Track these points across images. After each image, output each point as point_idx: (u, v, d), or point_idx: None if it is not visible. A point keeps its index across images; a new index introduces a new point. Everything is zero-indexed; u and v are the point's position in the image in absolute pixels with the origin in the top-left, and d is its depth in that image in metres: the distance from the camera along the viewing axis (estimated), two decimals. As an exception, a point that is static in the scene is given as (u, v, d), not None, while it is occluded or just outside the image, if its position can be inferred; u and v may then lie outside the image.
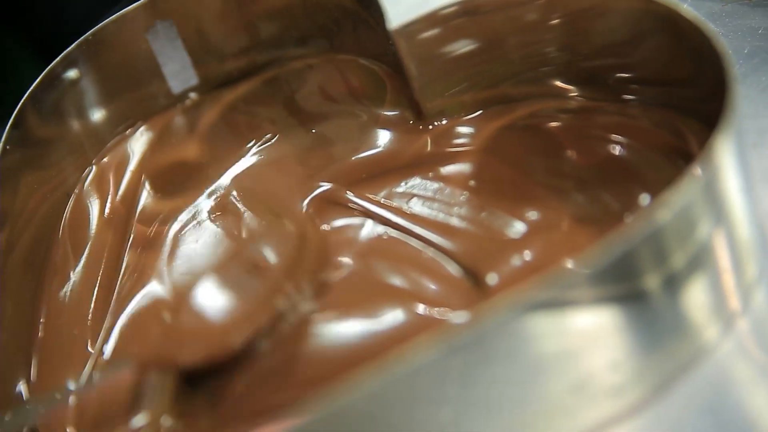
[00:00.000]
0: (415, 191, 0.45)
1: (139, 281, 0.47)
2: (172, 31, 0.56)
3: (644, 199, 0.39)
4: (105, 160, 0.55)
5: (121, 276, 0.48)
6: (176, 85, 0.58)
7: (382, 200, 0.46)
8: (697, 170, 0.30)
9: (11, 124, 0.49)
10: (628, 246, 0.29)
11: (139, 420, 0.40)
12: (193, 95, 0.59)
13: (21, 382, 0.43)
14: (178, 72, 0.58)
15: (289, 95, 0.56)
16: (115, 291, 0.47)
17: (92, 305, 0.47)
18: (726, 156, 0.31)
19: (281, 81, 0.57)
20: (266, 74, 0.57)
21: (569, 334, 0.30)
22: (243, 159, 0.53)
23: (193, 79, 0.58)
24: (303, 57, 0.58)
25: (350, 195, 0.47)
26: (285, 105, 0.56)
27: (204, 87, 0.59)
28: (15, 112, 0.50)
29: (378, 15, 0.47)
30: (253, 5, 0.56)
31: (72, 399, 0.40)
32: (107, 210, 0.52)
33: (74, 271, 0.49)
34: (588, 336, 0.30)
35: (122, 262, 0.49)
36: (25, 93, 0.51)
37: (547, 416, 0.31)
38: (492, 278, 0.39)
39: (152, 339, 0.44)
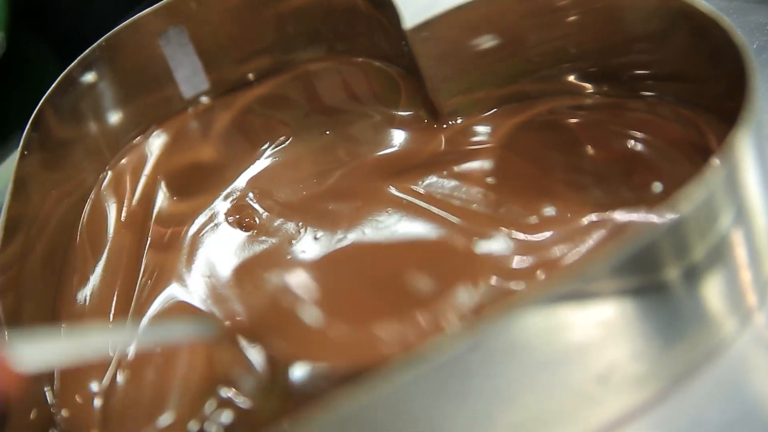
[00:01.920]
0: (431, 190, 0.46)
1: (158, 283, 0.48)
2: (184, 36, 0.57)
3: (662, 193, 0.40)
4: (121, 163, 0.56)
5: (140, 278, 0.48)
6: (188, 90, 0.59)
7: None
8: (718, 163, 0.30)
9: (29, 128, 0.49)
10: (651, 238, 0.29)
11: (165, 419, 0.40)
12: (205, 99, 0.59)
13: (46, 389, 0.44)
14: (190, 76, 0.58)
15: (303, 97, 0.57)
16: (135, 293, 0.48)
17: (113, 308, 0.47)
18: (746, 150, 0.31)
19: (295, 83, 0.58)
20: (280, 77, 0.58)
21: (593, 325, 0.30)
22: (258, 161, 0.54)
23: (204, 84, 0.59)
24: (316, 60, 0.58)
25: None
26: (299, 107, 0.56)
27: (217, 90, 0.59)
28: (33, 115, 0.50)
29: (392, 16, 0.47)
30: (266, 9, 0.56)
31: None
32: (124, 212, 0.53)
33: (93, 274, 0.49)
34: (612, 327, 0.31)
35: (141, 264, 0.49)
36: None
37: (574, 406, 0.32)
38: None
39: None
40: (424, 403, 0.29)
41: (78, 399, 0.43)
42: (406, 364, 0.28)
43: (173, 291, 0.47)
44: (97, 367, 0.44)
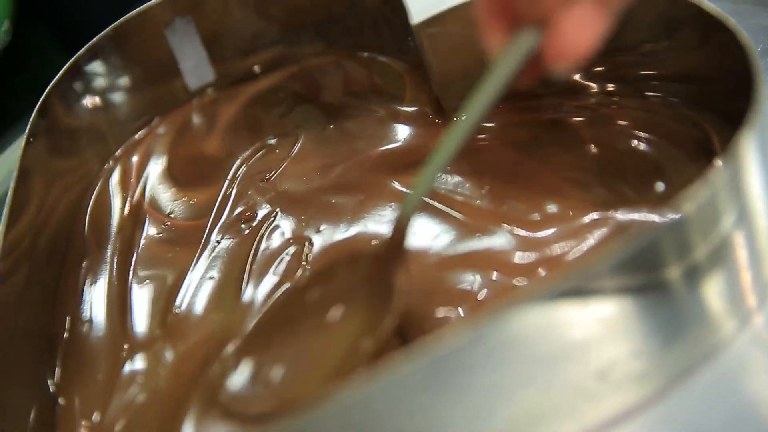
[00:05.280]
0: (435, 185, 0.46)
1: (164, 275, 0.48)
2: (191, 27, 0.57)
3: (665, 193, 0.40)
4: (126, 153, 0.56)
5: (144, 270, 0.49)
6: (193, 81, 0.59)
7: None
8: (721, 165, 0.30)
9: (36, 114, 0.50)
10: (653, 237, 0.29)
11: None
12: (211, 90, 0.59)
13: (48, 381, 0.44)
14: (196, 68, 0.58)
15: (308, 91, 0.57)
16: (138, 284, 0.48)
17: (117, 298, 0.47)
18: (750, 151, 0.31)
19: (300, 77, 0.58)
20: (286, 70, 0.58)
21: (594, 322, 0.31)
22: (262, 154, 0.54)
23: (210, 76, 0.59)
24: (322, 54, 0.58)
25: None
26: (304, 100, 0.56)
27: (222, 82, 0.59)
28: (40, 102, 0.50)
29: (399, 11, 0.48)
30: (273, 2, 0.57)
31: None
32: (129, 203, 0.53)
33: (99, 264, 0.49)
34: (612, 324, 0.31)
35: (146, 256, 0.49)
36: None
37: (573, 402, 0.32)
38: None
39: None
40: (425, 396, 0.30)
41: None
42: (407, 357, 0.28)
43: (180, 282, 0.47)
44: (102, 359, 0.44)
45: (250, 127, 0.57)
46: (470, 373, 0.30)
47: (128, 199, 0.53)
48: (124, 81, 0.56)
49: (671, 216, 0.29)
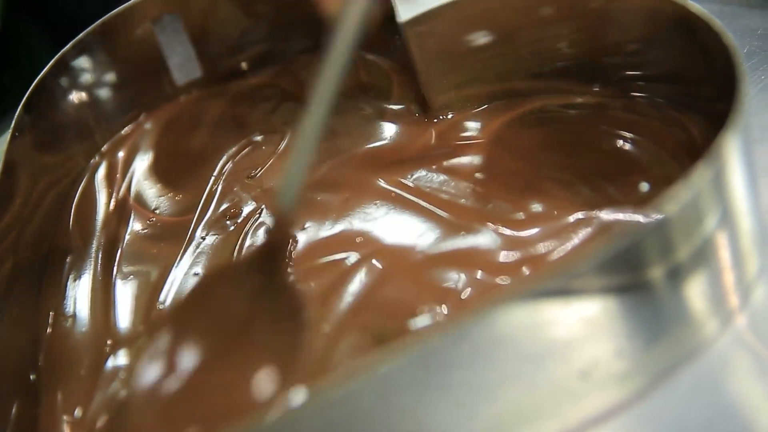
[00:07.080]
0: (420, 183, 0.46)
1: (148, 271, 0.48)
2: (178, 23, 0.57)
3: (649, 193, 0.40)
4: (112, 149, 0.56)
5: (129, 266, 0.48)
6: (180, 77, 0.59)
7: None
8: (705, 165, 0.30)
9: (21, 109, 0.49)
10: (636, 237, 0.29)
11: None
12: (198, 87, 0.59)
13: (31, 375, 0.44)
14: (183, 64, 0.58)
15: (295, 88, 0.57)
16: (123, 280, 0.48)
17: (100, 293, 0.47)
18: (733, 152, 0.31)
19: (287, 74, 0.58)
20: (273, 68, 0.58)
21: (577, 322, 0.31)
22: (248, 151, 0.54)
23: (197, 72, 0.59)
24: (309, 51, 0.58)
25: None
26: (291, 98, 0.56)
27: (209, 79, 0.59)
28: (25, 97, 0.50)
29: (387, 9, 0.48)
30: (261, 0, 0.57)
31: None
32: (114, 199, 0.53)
33: (83, 259, 0.49)
34: (595, 324, 0.31)
35: (130, 251, 0.49)
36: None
37: (555, 401, 0.32)
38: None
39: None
40: (407, 394, 0.30)
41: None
42: (392, 354, 0.28)
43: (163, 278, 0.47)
44: (86, 353, 0.44)
45: (237, 123, 0.56)
46: (453, 372, 0.30)
47: (114, 194, 0.53)
48: (110, 77, 0.56)
49: (655, 216, 0.29)
